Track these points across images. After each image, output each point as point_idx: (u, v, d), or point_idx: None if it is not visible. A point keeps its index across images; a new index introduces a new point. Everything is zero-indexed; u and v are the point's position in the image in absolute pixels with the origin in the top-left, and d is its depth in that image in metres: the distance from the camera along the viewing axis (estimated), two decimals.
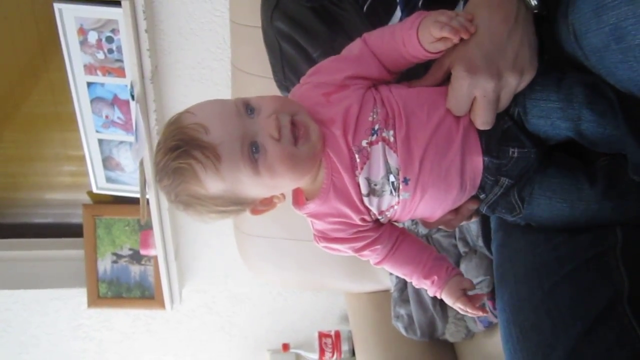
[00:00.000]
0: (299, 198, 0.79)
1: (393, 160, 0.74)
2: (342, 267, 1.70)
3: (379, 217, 0.79)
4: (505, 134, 0.77)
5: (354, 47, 0.81)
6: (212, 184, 0.71)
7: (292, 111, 0.73)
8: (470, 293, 0.82)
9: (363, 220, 0.78)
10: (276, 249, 1.72)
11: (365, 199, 0.76)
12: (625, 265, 0.77)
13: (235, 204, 0.75)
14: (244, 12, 1.37)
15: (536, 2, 0.75)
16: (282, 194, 0.78)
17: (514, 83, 0.73)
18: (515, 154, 0.76)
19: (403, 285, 1.57)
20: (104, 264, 2.00)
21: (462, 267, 1.44)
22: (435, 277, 0.81)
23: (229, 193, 0.73)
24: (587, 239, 0.81)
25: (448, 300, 0.82)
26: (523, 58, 0.73)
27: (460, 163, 0.75)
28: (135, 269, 2.01)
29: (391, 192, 0.75)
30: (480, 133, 0.76)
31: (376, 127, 0.74)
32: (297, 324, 2.19)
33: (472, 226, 1.37)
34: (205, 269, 2.03)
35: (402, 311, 1.53)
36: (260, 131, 0.71)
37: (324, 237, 0.80)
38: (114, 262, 2.00)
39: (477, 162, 0.76)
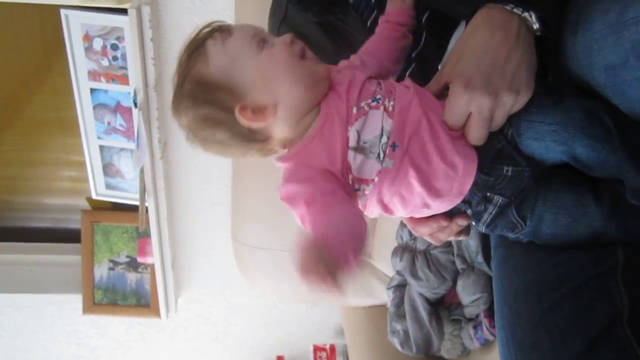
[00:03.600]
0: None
1: (388, 125, 0.74)
2: None
3: (355, 186, 0.76)
4: (500, 153, 0.77)
5: (352, 57, 0.85)
6: (215, 56, 0.74)
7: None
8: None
9: (333, 175, 0.74)
10: (273, 261, 1.72)
11: (350, 153, 0.73)
12: (625, 286, 0.77)
13: (228, 90, 0.74)
14: (249, 23, 1.38)
15: (538, 25, 0.75)
16: (276, 110, 0.75)
17: (509, 103, 0.74)
18: (509, 172, 0.76)
19: (400, 300, 1.57)
20: (101, 271, 2.00)
21: (460, 284, 1.44)
22: None
23: (226, 74, 0.74)
24: (588, 258, 0.81)
25: None
26: (520, 79, 0.74)
27: (450, 154, 0.75)
28: (131, 277, 2.01)
29: (378, 155, 0.73)
30: (474, 147, 0.77)
31: (378, 96, 0.76)
32: (293, 336, 2.18)
33: (471, 242, 1.37)
34: (201, 278, 2.03)
35: (398, 326, 1.53)
36: (274, 38, 0.77)
37: (287, 178, 0.74)
38: (111, 269, 2.00)
39: (470, 166, 0.76)
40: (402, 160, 0.74)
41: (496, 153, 0.77)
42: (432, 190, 0.75)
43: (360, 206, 0.77)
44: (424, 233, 0.87)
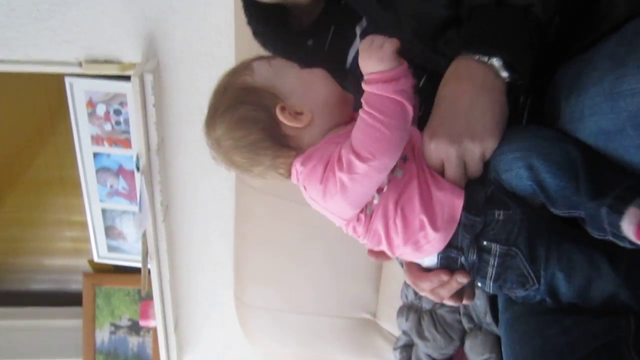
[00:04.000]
0: None
1: None
2: (344, 341, 1.67)
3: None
4: (490, 199, 0.78)
5: None
6: (261, 69, 0.82)
7: None
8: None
9: None
10: (277, 322, 1.70)
11: None
12: (638, 356, 0.75)
13: (271, 93, 0.81)
14: None
15: (507, 73, 0.77)
16: (312, 116, 0.81)
17: (476, 150, 0.76)
18: (501, 216, 0.77)
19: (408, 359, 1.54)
20: (102, 335, 1.97)
21: (467, 344, 1.41)
22: None
23: (270, 81, 0.81)
24: (598, 325, 0.80)
25: None
26: (484, 126, 0.75)
27: (442, 186, 0.77)
28: (133, 340, 1.97)
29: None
30: (464, 188, 0.78)
31: None
32: None
33: (478, 302, 1.35)
34: (204, 341, 1.99)
35: None
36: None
37: (309, 156, 0.80)
38: (112, 332, 1.97)
39: (455, 200, 0.77)
40: (410, 171, 0.78)
41: (486, 199, 0.78)
42: (429, 209, 0.76)
43: (365, 224, 0.80)
44: (425, 288, 0.86)
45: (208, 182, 1.68)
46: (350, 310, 1.65)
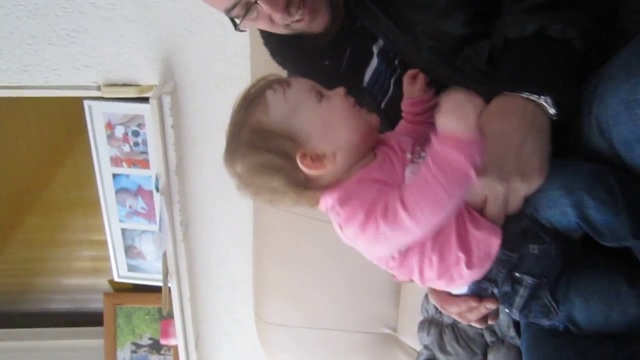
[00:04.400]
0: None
1: None
2: (365, 357, 1.67)
3: None
4: (525, 232, 0.77)
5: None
6: (275, 107, 0.76)
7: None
8: None
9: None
10: (297, 338, 1.70)
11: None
12: None
13: (288, 138, 0.75)
14: None
15: (555, 111, 0.77)
16: (334, 157, 0.76)
17: (522, 189, 0.75)
18: (536, 251, 0.77)
19: None
20: (124, 354, 1.98)
21: (490, 358, 1.41)
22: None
23: (287, 123, 0.76)
24: (612, 345, 0.80)
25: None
26: (533, 166, 0.75)
27: (480, 224, 0.76)
28: (154, 359, 1.98)
29: None
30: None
31: (423, 154, 0.78)
32: None
33: (501, 316, 1.34)
34: (225, 357, 2.00)
35: None
36: (330, 92, 0.80)
37: (347, 196, 0.75)
38: (134, 351, 1.98)
39: (491, 241, 0.76)
40: None
41: (521, 232, 0.77)
42: (466, 247, 0.76)
43: (399, 261, 0.78)
44: (453, 312, 0.86)
45: (226, 201, 1.69)
46: (371, 325, 1.65)
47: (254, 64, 1.43)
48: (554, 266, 0.78)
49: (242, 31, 0.95)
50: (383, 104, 1.02)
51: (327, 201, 0.78)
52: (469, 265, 0.76)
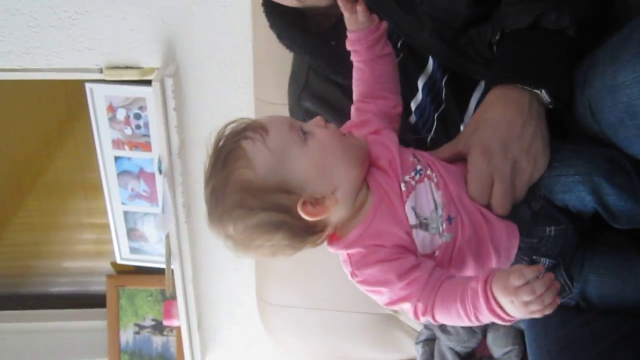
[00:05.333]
0: (333, 236, 0.77)
1: (438, 197, 0.74)
2: (366, 337, 1.69)
3: None
4: (538, 213, 0.78)
5: (352, 115, 0.89)
6: (259, 159, 0.70)
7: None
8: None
9: (405, 247, 0.73)
10: (299, 319, 1.72)
11: (414, 231, 0.73)
12: None
13: (283, 191, 0.71)
14: (267, 90, 1.43)
15: (550, 99, 0.78)
16: (335, 197, 0.72)
17: (528, 170, 0.76)
18: (552, 232, 0.77)
19: (429, 355, 1.55)
20: (126, 335, 2.00)
21: (490, 337, 1.43)
22: (480, 274, 0.67)
23: (277, 174, 0.70)
24: (616, 316, 0.82)
25: (503, 293, 0.64)
26: (536, 147, 0.77)
27: (496, 226, 0.76)
28: (157, 340, 2.00)
29: (438, 230, 0.73)
30: (507, 217, 0.77)
31: (418, 167, 0.76)
32: None
33: None
34: (228, 339, 2.02)
35: None
36: (309, 124, 0.75)
37: (363, 263, 0.73)
38: (136, 333, 2.00)
39: (514, 229, 0.76)
40: (458, 233, 0.74)
41: (534, 214, 0.78)
42: (482, 263, 0.76)
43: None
44: None
45: None
46: (371, 306, 1.66)
47: (256, 46, 1.43)
48: (570, 245, 0.79)
49: None
50: None
51: (337, 249, 0.76)
52: (498, 260, 0.76)
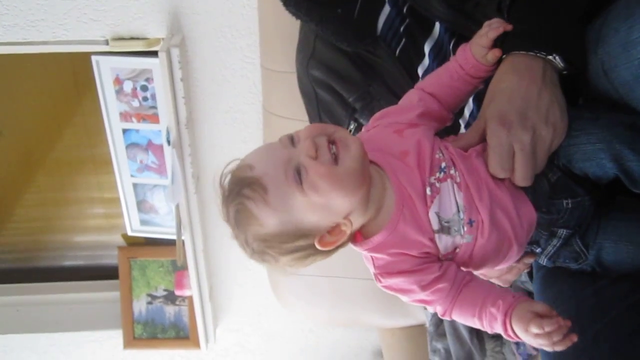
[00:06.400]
0: (356, 235, 0.77)
1: (460, 199, 0.74)
2: (375, 302, 1.70)
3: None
4: (555, 186, 0.77)
5: (413, 96, 0.83)
6: (268, 219, 0.71)
7: (328, 132, 0.73)
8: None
9: (429, 254, 0.76)
10: (309, 286, 1.74)
11: (436, 236, 0.74)
12: None
13: (300, 237, 0.72)
14: (273, 58, 1.43)
15: (563, 65, 0.77)
16: (348, 219, 0.73)
17: (548, 137, 0.75)
18: (570, 205, 0.77)
19: (438, 319, 1.58)
20: (139, 305, 2.04)
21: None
22: (501, 302, 0.72)
23: (288, 225, 0.72)
24: (627, 285, 0.83)
25: (519, 327, 0.70)
26: (555, 114, 0.75)
27: (517, 217, 0.76)
28: (170, 310, 2.04)
29: (460, 232, 0.74)
30: (526, 191, 0.77)
31: (443, 164, 0.75)
32: None
33: None
34: (238, 307, 2.05)
35: (439, 345, 1.54)
36: (300, 155, 0.72)
37: (387, 271, 0.75)
38: (149, 303, 2.03)
39: (530, 216, 0.77)
40: (478, 233, 0.75)
41: (551, 187, 0.77)
42: (502, 256, 0.77)
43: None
44: (492, 276, 0.88)
45: (237, 152, 1.70)
46: None
47: (262, 15, 1.43)
48: (586, 216, 0.79)
49: None
50: (397, 52, 1.02)
51: (364, 252, 0.78)
52: (519, 249, 0.77)
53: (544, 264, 0.85)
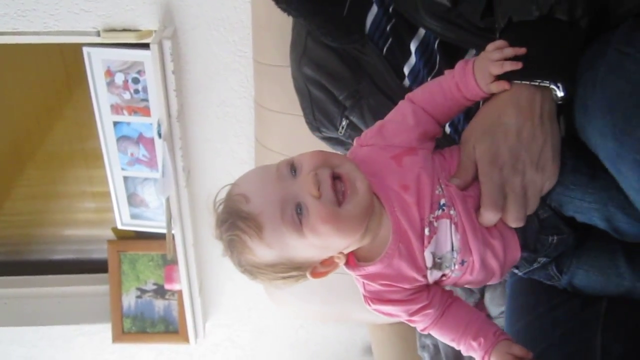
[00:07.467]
0: (349, 258, 0.77)
1: (457, 240, 0.74)
2: None
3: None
4: (544, 222, 0.79)
5: (406, 110, 0.81)
6: (262, 253, 0.71)
7: (333, 164, 0.71)
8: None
9: (420, 286, 0.78)
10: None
11: (429, 272, 0.76)
12: (604, 335, 0.81)
13: (293, 269, 0.73)
14: (266, 52, 1.42)
15: (563, 94, 0.75)
16: (342, 253, 0.74)
17: (538, 181, 0.75)
18: (555, 241, 0.79)
19: None
20: (129, 299, 2.03)
21: (487, 296, 1.45)
22: (482, 339, 0.76)
23: (283, 259, 0.72)
24: (578, 304, 0.85)
25: None
26: (546, 157, 0.75)
27: (503, 257, 0.77)
28: (159, 304, 2.03)
29: (450, 269, 0.75)
30: (517, 230, 0.77)
31: (442, 201, 0.75)
32: (320, 356, 2.19)
33: None
34: (228, 302, 2.05)
35: (428, 341, 1.54)
36: (301, 191, 0.70)
37: (377, 298, 0.77)
38: (138, 297, 2.03)
39: (515, 256, 0.78)
40: (466, 271, 0.77)
41: (540, 223, 0.79)
42: (486, 282, 0.79)
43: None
44: None
45: (228, 146, 1.71)
46: None
47: (255, 8, 1.42)
48: (568, 249, 0.82)
49: None
50: (384, 50, 1.02)
51: (356, 275, 0.79)
52: (500, 279, 0.79)
53: (520, 274, 0.88)
